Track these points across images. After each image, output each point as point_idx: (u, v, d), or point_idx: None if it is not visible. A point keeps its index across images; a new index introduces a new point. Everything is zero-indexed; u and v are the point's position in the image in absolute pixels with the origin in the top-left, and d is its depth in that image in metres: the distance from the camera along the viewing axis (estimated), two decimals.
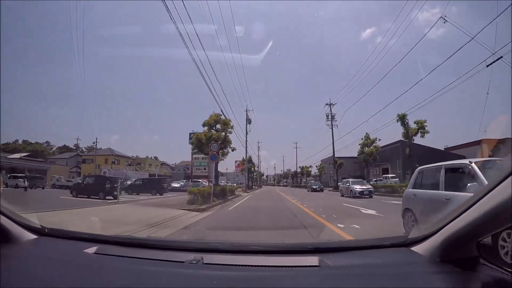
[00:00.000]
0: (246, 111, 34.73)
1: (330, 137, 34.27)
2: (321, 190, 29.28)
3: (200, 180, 34.87)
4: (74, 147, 53.83)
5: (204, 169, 32.62)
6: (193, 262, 1.19)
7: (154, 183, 22.88)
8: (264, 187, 63.82)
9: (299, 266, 1.19)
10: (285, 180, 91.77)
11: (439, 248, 1.09)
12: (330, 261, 1.18)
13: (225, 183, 45.12)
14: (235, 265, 1.19)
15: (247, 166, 38.50)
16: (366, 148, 27.98)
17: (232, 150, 17.56)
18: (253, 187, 48.91)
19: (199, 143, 16.02)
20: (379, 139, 28.02)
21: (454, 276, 1.00)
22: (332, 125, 34.04)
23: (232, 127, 17.38)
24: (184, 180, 36.60)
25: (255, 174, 60.48)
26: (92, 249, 1.36)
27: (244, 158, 36.15)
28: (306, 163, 63.09)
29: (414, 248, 1.23)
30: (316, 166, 49.52)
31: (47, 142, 66.72)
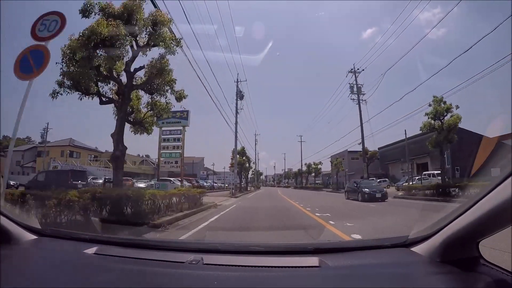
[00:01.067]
0: (237, 81, 24.69)
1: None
2: (384, 199, 14.64)
3: (172, 179, 24.98)
4: (42, 139, 44.31)
5: (176, 162, 21.02)
6: (193, 262, 1.18)
7: (59, 179, 14.44)
8: (262, 189, 53.80)
9: (299, 267, 1.17)
10: (286, 180, 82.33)
11: (439, 248, 1.08)
12: (330, 262, 1.17)
13: (212, 184, 35.00)
14: (235, 265, 1.18)
15: (238, 159, 28.44)
16: (438, 121, 14.99)
17: (179, 99, 7.53)
18: (249, 188, 38.64)
19: (71, 59, 5.82)
20: (457, 106, 14.90)
21: (454, 276, 0.99)
22: (359, 99, 24.01)
23: (178, 43, 7.15)
24: (154, 180, 26.29)
25: (252, 172, 50.35)
26: (92, 250, 1.34)
27: (235, 149, 25.92)
28: (308, 161, 52.22)
29: (414, 249, 1.22)
30: (331, 161, 38.41)
31: (28, 137, 60.72)
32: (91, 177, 29.33)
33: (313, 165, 46.76)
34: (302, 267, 1.16)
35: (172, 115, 22.95)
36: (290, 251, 1.41)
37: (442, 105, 15.13)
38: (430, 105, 15.59)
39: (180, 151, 23.16)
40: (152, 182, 24.15)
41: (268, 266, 1.18)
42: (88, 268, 1.19)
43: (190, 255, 1.25)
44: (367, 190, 15.00)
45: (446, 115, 15.26)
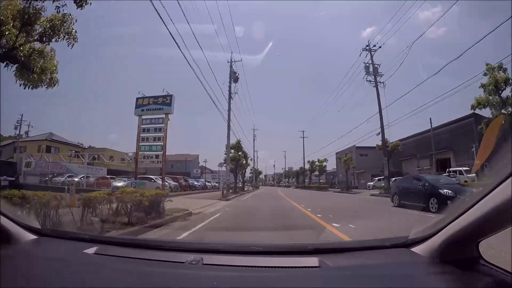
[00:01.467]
0: (230, 61, 20.78)
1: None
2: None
3: (152, 178, 21.22)
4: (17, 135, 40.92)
5: (157, 157, 16.34)
6: (193, 262, 1.17)
7: None
8: (262, 188, 49.80)
9: (299, 267, 1.16)
10: (286, 179, 78.88)
11: (439, 248, 1.07)
12: (330, 262, 1.16)
13: (204, 184, 31.10)
14: (235, 265, 1.17)
15: (233, 154, 24.52)
16: (496, 96, 11.34)
17: (80, 1, 3.72)
18: (246, 188, 34.71)
19: None
20: None
21: (454, 276, 0.98)
22: (376, 81, 20.09)
23: None
24: (132, 179, 22.41)
25: (250, 171, 46.47)
26: (92, 250, 1.33)
27: (227, 142, 21.79)
28: (309, 159, 47.66)
29: (414, 249, 1.21)
30: (339, 158, 33.08)
31: (19, 134, 58.06)
32: (67, 174, 25.73)
33: (317, 163, 42.52)
34: (302, 267, 1.15)
35: (153, 100, 18.36)
36: (290, 251, 1.40)
37: (501, 73, 11.29)
38: (485, 74, 11.69)
39: (162, 143, 18.48)
40: (129, 181, 20.46)
41: (268, 267, 1.18)
42: (88, 268, 1.18)
43: (190, 255, 1.24)
44: (449, 192, 8.63)
45: (505, 88, 11.42)
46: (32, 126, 39.90)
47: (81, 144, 44.83)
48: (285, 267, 1.16)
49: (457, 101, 64.34)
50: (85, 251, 1.30)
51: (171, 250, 1.40)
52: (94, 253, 1.29)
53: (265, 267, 1.16)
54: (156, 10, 8.27)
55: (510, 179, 0.75)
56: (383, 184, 20.42)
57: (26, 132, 42.87)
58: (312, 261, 1.16)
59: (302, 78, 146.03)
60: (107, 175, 28.34)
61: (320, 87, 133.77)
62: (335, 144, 49.05)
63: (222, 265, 1.16)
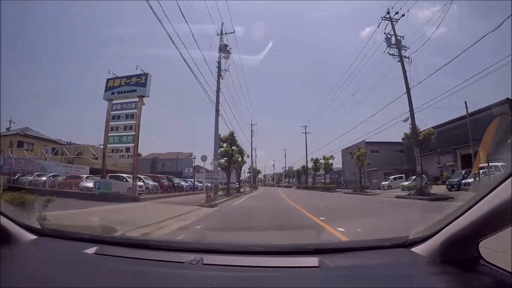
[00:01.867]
0: (221, 34, 16.85)
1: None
2: None
3: (124, 176, 17.40)
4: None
5: (127, 150, 11.31)
6: (193, 262, 1.17)
7: None
8: (261, 189, 45.82)
9: (299, 267, 1.16)
10: (287, 179, 75.04)
11: (439, 248, 1.07)
12: (330, 262, 1.16)
13: (192, 184, 27.12)
14: (235, 265, 1.17)
15: (225, 148, 20.58)
16: None
17: None
18: (242, 189, 30.73)
19: None
20: None
21: (454, 276, 0.98)
22: (401, 56, 16.19)
23: None
24: (106, 179, 18.44)
25: (248, 170, 42.61)
26: (92, 250, 1.33)
27: (215, 130, 17.45)
28: (311, 157, 43.40)
29: (415, 249, 1.21)
30: (351, 153, 27.07)
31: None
32: (36, 173, 22.78)
33: (322, 160, 38.29)
34: (302, 267, 1.15)
35: (126, 81, 13.87)
36: (290, 251, 1.39)
37: None
38: None
39: (134, 132, 14.24)
40: (96, 180, 16.73)
41: (268, 267, 1.17)
42: (88, 268, 1.18)
43: (190, 255, 1.24)
44: None
45: None
46: (14, 122, 36.36)
47: (73, 141, 41.17)
48: (285, 267, 1.16)
49: (472, 93, 60.19)
50: (85, 251, 1.31)
51: (171, 250, 1.41)
52: (94, 253, 1.30)
53: (265, 267, 1.17)
54: (152, 10, 8.33)
55: (510, 179, 0.75)
56: (413, 184, 16.50)
57: (8, 129, 39.45)
58: (312, 261, 1.16)
59: (302, 77, 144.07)
60: (90, 174, 24.78)
61: (320, 87, 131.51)
62: (338, 141, 45.51)
63: (222, 265, 1.17)
